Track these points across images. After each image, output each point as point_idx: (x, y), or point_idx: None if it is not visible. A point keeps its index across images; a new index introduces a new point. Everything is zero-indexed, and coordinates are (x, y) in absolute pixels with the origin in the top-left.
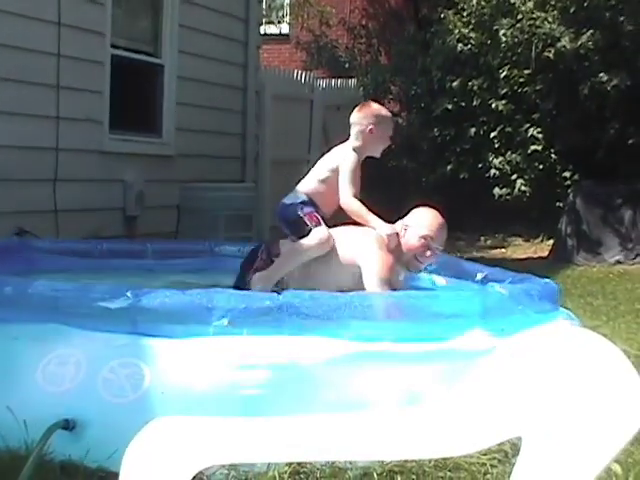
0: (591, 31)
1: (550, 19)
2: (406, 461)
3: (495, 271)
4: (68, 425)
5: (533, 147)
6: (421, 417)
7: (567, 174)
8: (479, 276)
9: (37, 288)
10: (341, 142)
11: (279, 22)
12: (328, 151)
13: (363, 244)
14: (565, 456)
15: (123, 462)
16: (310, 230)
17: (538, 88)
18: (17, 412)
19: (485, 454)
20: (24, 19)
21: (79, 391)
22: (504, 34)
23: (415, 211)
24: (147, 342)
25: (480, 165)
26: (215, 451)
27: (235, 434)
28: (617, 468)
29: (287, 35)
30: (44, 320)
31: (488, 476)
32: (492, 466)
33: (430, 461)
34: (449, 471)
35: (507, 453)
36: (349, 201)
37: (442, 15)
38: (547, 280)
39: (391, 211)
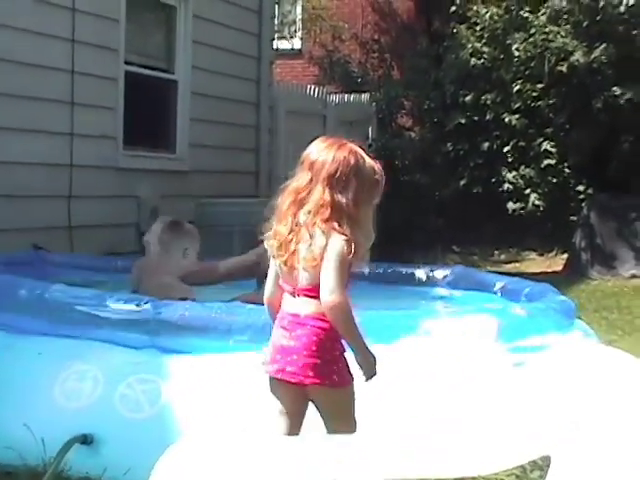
0: (604, 45)
1: (563, 33)
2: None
3: (513, 281)
4: (86, 439)
5: (547, 161)
6: (445, 434)
7: (581, 188)
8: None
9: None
10: None
11: (291, 37)
12: None
13: None
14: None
15: None
16: None
17: (551, 102)
18: (35, 429)
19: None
20: (38, 36)
21: (96, 406)
22: (517, 48)
23: None
24: (164, 358)
25: (493, 179)
26: (240, 472)
27: (263, 455)
28: None
29: (300, 50)
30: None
31: None
32: None
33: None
34: None
35: (525, 469)
36: None
37: (455, 29)
38: (564, 298)
39: (404, 225)
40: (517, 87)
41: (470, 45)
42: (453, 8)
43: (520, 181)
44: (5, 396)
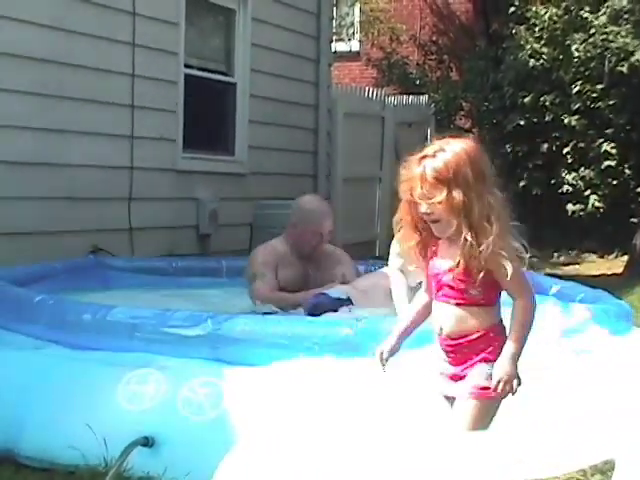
0: None
1: (623, 33)
2: None
3: (568, 286)
4: (147, 442)
5: (607, 162)
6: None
7: None
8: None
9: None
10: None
11: (349, 39)
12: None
13: None
14: None
15: None
16: None
17: (611, 103)
18: (97, 430)
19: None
20: (99, 40)
21: (158, 409)
22: (576, 49)
23: None
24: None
25: (553, 181)
26: None
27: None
28: None
29: (357, 52)
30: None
31: None
32: None
33: None
34: None
35: (586, 472)
36: None
37: (513, 31)
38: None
39: None
40: (577, 88)
41: (529, 46)
42: (512, 9)
43: (580, 183)
44: (68, 398)
